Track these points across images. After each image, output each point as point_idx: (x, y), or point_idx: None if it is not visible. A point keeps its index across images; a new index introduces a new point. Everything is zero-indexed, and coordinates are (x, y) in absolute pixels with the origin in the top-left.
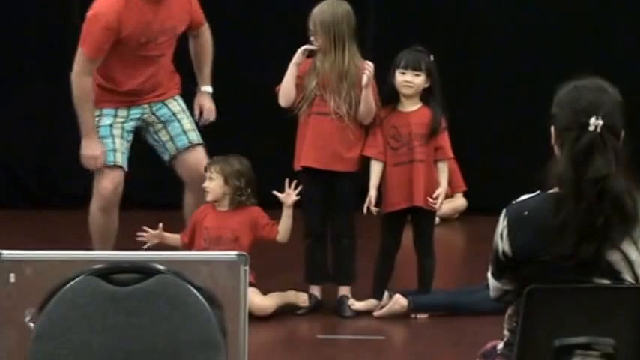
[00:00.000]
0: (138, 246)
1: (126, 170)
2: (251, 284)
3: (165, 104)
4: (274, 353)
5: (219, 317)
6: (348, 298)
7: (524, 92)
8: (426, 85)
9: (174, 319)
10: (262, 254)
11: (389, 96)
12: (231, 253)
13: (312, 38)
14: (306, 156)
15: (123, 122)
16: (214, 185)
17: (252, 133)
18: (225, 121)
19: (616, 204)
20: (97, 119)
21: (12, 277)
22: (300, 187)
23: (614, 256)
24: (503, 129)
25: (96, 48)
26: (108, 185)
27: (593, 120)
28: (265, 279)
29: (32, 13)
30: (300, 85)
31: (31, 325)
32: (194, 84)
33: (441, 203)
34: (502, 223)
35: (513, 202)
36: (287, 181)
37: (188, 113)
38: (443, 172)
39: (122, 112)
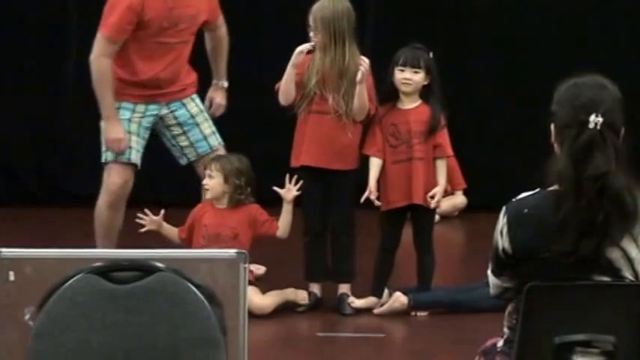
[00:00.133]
0: (138, 244)
1: (138, 167)
2: (250, 283)
3: (183, 104)
4: (274, 351)
5: (219, 315)
6: (347, 295)
7: (524, 90)
8: (425, 83)
9: (174, 317)
10: (262, 252)
11: (388, 93)
12: (231, 251)
13: (311, 34)
14: (305, 155)
15: (140, 117)
16: (214, 183)
17: (252, 131)
18: (223, 119)
19: (616, 201)
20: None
21: (11, 276)
22: (301, 183)
23: (614, 254)
24: (504, 126)
25: (117, 29)
26: (117, 180)
27: (593, 117)
28: (265, 277)
29: (31, 13)
30: (299, 84)
31: (31, 323)
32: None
33: (438, 201)
34: (502, 221)
35: (513, 200)
36: (287, 176)
37: (206, 113)
38: (441, 169)
39: (140, 108)
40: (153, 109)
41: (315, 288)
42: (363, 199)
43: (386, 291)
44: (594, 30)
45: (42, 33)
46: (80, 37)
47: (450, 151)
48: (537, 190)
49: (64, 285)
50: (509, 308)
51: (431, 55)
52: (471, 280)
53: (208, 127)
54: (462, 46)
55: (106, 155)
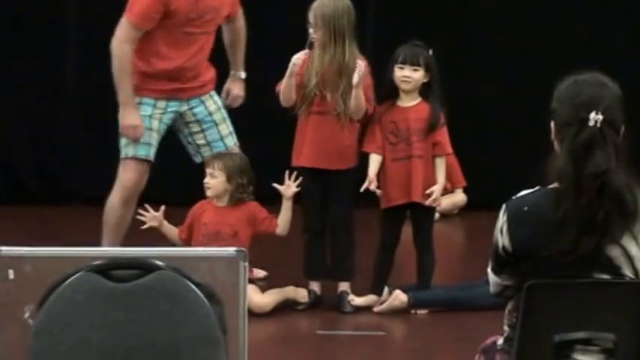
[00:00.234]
0: (138, 242)
1: (153, 163)
2: (250, 281)
3: (202, 102)
4: (274, 349)
5: (219, 313)
6: (347, 293)
7: (524, 88)
8: (425, 80)
9: (174, 316)
10: (261, 251)
11: (388, 91)
12: (231, 249)
13: (311, 31)
14: (306, 156)
15: (161, 114)
16: (216, 182)
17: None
18: None
19: (616, 199)
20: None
21: (11, 274)
22: (300, 179)
23: (614, 252)
24: (504, 125)
25: (143, 16)
26: (133, 176)
27: (593, 115)
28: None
29: (31, 13)
30: (299, 85)
31: (30, 321)
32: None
33: (435, 199)
34: (502, 219)
35: (513, 198)
36: (287, 172)
37: (224, 111)
38: (440, 167)
39: (161, 104)
40: (173, 105)
41: (315, 286)
42: (363, 189)
43: (386, 289)
44: (594, 30)
45: (42, 33)
46: (80, 36)
47: (449, 149)
48: (537, 187)
49: (64, 283)
50: (510, 306)
51: (430, 52)
52: (471, 278)
53: (226, 128)
54: (462, 44)
55: (127, 150)
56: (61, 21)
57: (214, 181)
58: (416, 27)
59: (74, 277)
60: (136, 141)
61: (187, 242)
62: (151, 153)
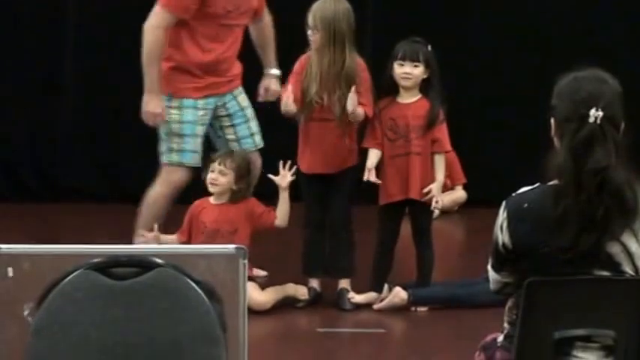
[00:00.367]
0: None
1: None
2: (250, 279)
3: (234, 96)
4: (274, 347)
5: (219, 311)
6: (347, 291)
7: (524, 86)
8: (425, 76)
9: (174, 313)
10: (261, 249)
11: (388, 88)
12: (230, 247)
13: (309, 32)
14: (308, 163)
15: (204, 116)
16: (225, 181)
17: None
18: None
19: (616, 195)
20: (177, 112)
21: (10, 272)
22: (295, 167)
23: (614, 248)
24: (504, 122)
25: (180, 5)
26: (182, 178)
27: (593, 111)
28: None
29: (31, 13)
30: (299, 93)
31: (30, 319)
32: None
33: (432, 197)
34: (502, 215)
35: (513, 194)
36: (281, 162)
37: (252, 108)
38: (439, 164)
39: (202, 104)
40: (211, 102)
41: (315, 283)
42: (365, 179)
43: (386, 286)
44: (594, 29)
45: (42, 33)
46: (80, 36)
47: (448, 146)
48: (537, 184)
49: (63, 281)
50: (510, 303)
51: (429, 48)
52: (471, 275)
53: (256, 126)
54: (461, 42)
55: (170, 157)
56: (61, 21)
57: (224, 179)
58: (416, 24)
59: (74, 274)
60: (153, 125)
61: (188, 243)
62: (198, 160)
